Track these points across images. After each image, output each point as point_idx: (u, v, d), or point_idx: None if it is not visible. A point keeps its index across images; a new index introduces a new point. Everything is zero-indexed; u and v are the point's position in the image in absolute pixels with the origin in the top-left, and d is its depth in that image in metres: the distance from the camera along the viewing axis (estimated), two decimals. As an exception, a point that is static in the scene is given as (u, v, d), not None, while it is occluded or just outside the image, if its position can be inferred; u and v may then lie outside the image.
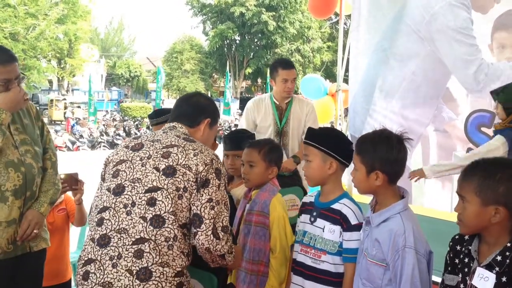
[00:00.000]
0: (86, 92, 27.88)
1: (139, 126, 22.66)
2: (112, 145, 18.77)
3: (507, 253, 1.64)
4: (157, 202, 1.85)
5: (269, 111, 4.12)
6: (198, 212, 1.89)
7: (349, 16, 5.34)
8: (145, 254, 1.79)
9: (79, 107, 28.77)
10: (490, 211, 1.66)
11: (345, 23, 5.80)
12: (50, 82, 39.07)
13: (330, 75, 31.76)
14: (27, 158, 2.53)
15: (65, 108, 28.22)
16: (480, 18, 3.75)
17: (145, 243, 1.80)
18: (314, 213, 2.30)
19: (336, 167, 2.25)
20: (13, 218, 2.47)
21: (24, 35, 27.96)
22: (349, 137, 4.50)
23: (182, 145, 1.97)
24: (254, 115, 4.17)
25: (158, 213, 1.84)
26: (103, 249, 1.82)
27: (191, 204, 1.90)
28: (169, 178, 1.88)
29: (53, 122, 26.83)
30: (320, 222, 2.26)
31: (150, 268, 1.77)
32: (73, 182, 3.15)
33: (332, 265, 2.20)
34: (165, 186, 1.87)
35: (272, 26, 34.06)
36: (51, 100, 29.15)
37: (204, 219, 1.89)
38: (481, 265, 1.70)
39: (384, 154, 1.99)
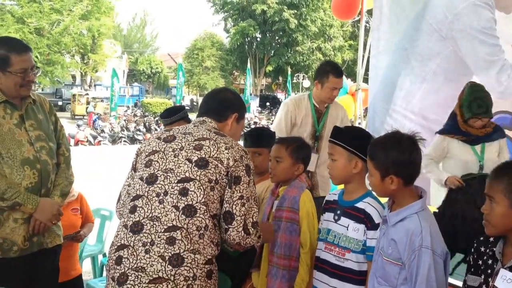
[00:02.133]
0: (108, 87, 28.19)
1: (159, 122, 22.83)
2: (132, 140, 18.96)
3: None
4: (189, 192, 1.90)
5: (309, 113, 3.96)
6: (230, 209, 1.95)
7: (371, 15, 5.31)
8: (177, 241, 1.84)
9: (102, 101, 29.08)
10: None
11: (366, 22, 5.77)
12: (73, 77, 39.60)
13: (351, 74, 31.48)
14: (42, 155, 2.55)
15: (87, 103, 28.57)
16: (503, 18, 3.70)
17: (177, 231, 1.85)
18: (338, 212, 2.31)
19: (361, 166, 2.25)
20: (28, 215, 2.50)
21: (48, 30, 28.41)
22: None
23: (214, 139, 2.02)
24: (295, 114, 3.95)
25: (190, 203, 1.89)
26: (136, 235, 1.88)
27: (223, 200, 1.96)
28: (202, 170, 1.93)
29: (75, 117, 27.19)
30: (344, 220, 2.27)
31: (182, 254, 1.83)
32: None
33: (355, 263, 2.21)
34: (198, 177, 1.92)
35: (293, 24, 33.95)
36: (74, 95, 29.55)
37: (235, 216, 1.95)
38: (504, 267, 1.69)
39: (396, 158, 1.98)
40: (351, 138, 2.28)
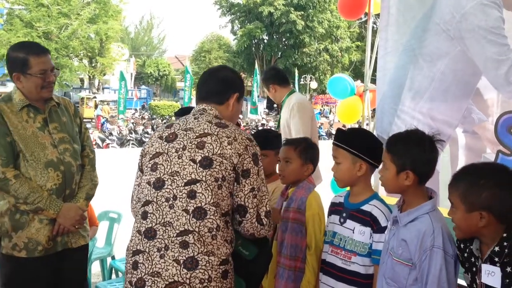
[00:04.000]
0: (116, 90, 28.32)
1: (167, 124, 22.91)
2: (140, 143, 19.03)
3: (505, 243, 1.67)
4: (197, 195, 1.90)
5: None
6: (242, 203, 1.97)
7: (378, 15, 5.29)
8: (190, 245, 1.85)
9: (108, 104, 29.23)
10: (475, 216, 1.71)
11: (374, 23, 5.75)
12: (82, 80, 39.87)
13: (358, 75, 31.45)
14: (66, 157, 2.60)
15: (96, 106, 28.73)
16: (511, 17, 3.67)
17: (189, 235, 1.86)
18: (344, 214, 2.29)
19: (365, 168, 2.23)
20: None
21: (57, 34, 28.64)
22: (376, 138, 4.46)
23: (215, 133, 1.98)
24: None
25: (199, 205, 1.89)
26: (151, 241, 1.89)
27: (234, 195, 1.97)
28: (207, 170, 1.92)
29: (83, 120, 27.31)
30: (350, 223, 2.25)
31: (196, 257, 1.84)
32: None
33: (362, 267, 2.20)
34: (204, 178, 1.91)
35: (300, 26, 33.96)
36: (82, 98, 29.73)
37: (248, 208, 1.97)
38: (484, 261, 1.72)
39: (416, 154, 1.97)
40: (355, 141, 2.26)
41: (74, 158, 2.64)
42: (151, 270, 1.85)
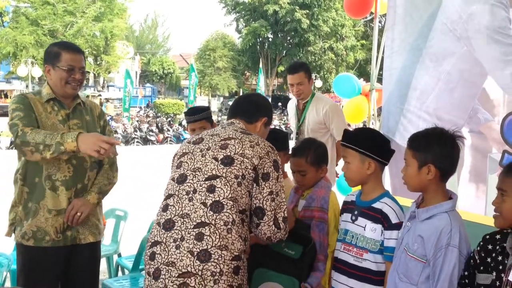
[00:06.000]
0: (121, 88, 28.36)
1: (171, 122, 22.94)
2: (145, 141, 19.06)
3: None
4: (216, 189, 1.99)
5: (293, 111, 4.63)
6: (261, 205, 2.03)
7: (384, 15, 5.29)
8: (205, 237, 1.92)
9: (111, 102, 29.31)
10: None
11: (380, 22, 5.75)
12: (87, 78, 39.97)
13: (363, 74, 31.39)
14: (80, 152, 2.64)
15: (101, 104, 28.78)
16: (519, 18, 3.66)
17: (206, 227, 1.93)
18: (356, 212, 2.33)
19: (374, 167, 2.27)
20: (62, 207, 2.62)
21: (62, 32, 28.68)
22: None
23: (239, 138, 2.10)
24: (289, 115, 4.78)
25: (217, 199, 1.97)
26: (168, 232, 1.98)
27: (253, 197, 2.03)
28: (228, 167, 2.02)
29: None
30: (361, 221, 2.28)
31: (209, 250, 1.91)
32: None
33: (373, 264, 2.23)
34: (224, 174, 2.01)
35: (305, 24, 33.90)
36: (87, 96, 29.63)
37: (266, 211, 2.03)
38: None
39: (437, 149, 2.00)
40: (362, 140, 2.29)
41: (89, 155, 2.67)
42: (166, 260, 1.93)
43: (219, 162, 2.03)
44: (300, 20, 33.81)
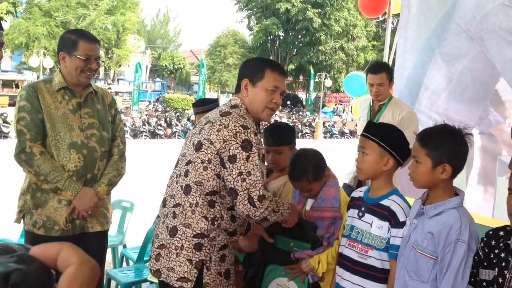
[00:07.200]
0: (131, 82, 28.47)
1: (180, 117, 22.98)
2: (153, 134, 19.10)
3: None
4: (189, 173, 2.18)
5: (365, 112, 4.28)
6: (232, 186, 2.09)
7: (397, 15, 5.26)
8: (176, 216, 2.19)
9: (121, 96, 29.42)
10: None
11: (392, 22, 5.72)
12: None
13: (373, 75, 31.21)
14: (91, 142, 2.66)
15: (110, 97, 28.87)
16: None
17: (178, 207, 2.19)
18: (363, 208, 2.29)
19: (392, 164, 2.22)
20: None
21: (74, 24, 28.84)
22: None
23: (214, 121, 2.17)
24: (358, 115, 4.42)
25: (188, 182, 2.17)
26: (162, 209, 2.30)
27: (225, 179, 2.11)
28: (196, 152, 2.16)
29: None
30: (368, 217, 2.25)
31: (177, 227, 2.17)
32: None
33: (378, 261, 2.20)
34: (193, 159, 2.17)
35: (317, 23, 33.82)
36: (97, 88, 29.85)
37: (238, 191, 2.08)
38: None
39: (452, 147, 1.97)
40: (386, 135, 2.25)
41: (99, 144, 2.70)
42: (156, 232, 2.27)
43: (194, 147, 2.17)
44: (311, 19, 33.73)
